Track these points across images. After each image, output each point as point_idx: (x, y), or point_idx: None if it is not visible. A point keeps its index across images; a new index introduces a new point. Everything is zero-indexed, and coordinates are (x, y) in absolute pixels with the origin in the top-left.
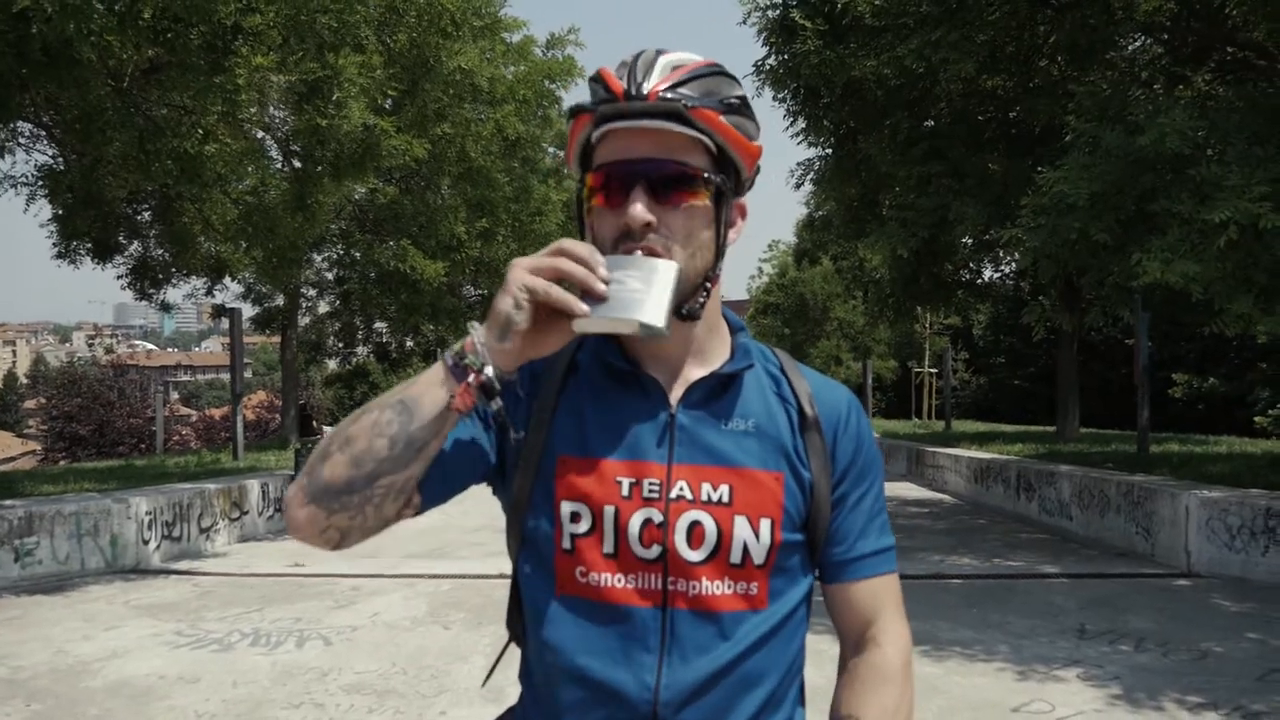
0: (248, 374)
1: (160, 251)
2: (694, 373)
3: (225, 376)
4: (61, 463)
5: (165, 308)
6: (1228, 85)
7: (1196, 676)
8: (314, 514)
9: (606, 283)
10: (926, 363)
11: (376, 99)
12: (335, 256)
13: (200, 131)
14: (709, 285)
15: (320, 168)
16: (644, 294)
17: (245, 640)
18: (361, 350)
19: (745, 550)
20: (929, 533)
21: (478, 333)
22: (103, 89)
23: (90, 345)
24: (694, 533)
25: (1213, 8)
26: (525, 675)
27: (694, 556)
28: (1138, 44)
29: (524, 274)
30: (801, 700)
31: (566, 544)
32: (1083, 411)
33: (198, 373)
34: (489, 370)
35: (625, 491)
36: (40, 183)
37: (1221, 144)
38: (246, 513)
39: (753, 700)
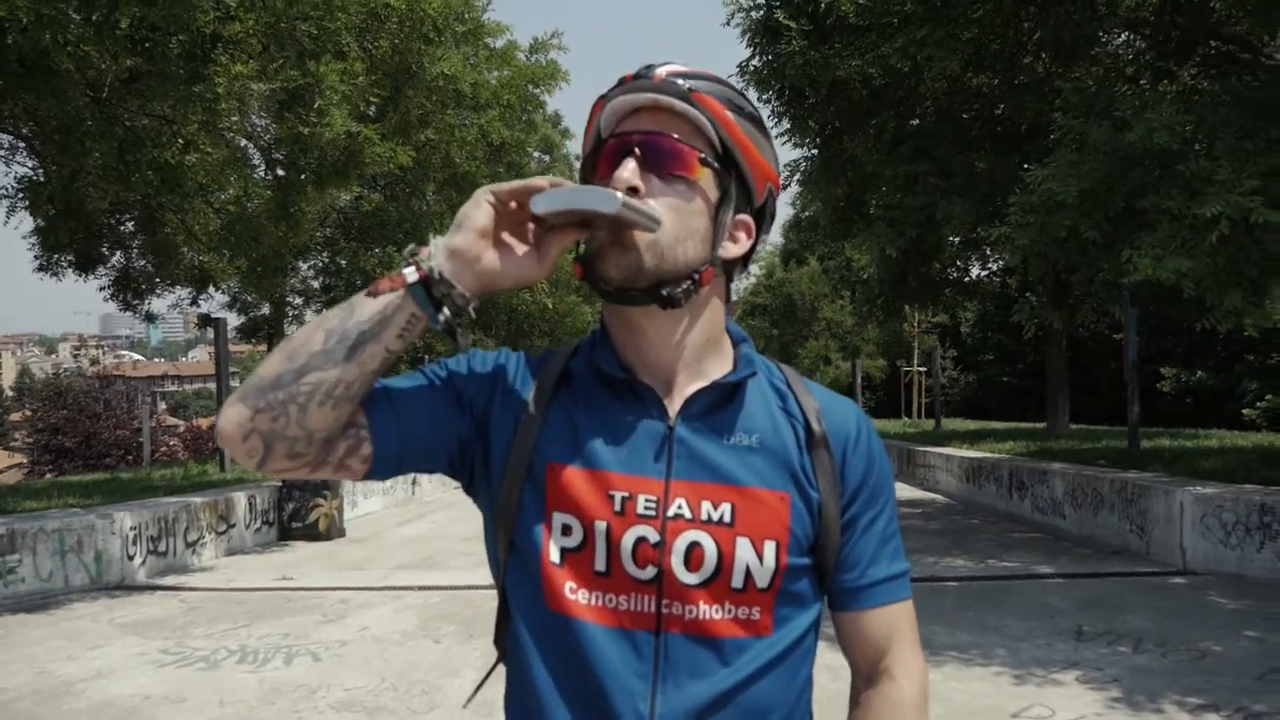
0: (234, 382)
1: (143, 262)
2: (693, 383)
3: (213, 386)
4: (48, 475)
5: (150, 318)
6: (1213, 80)
7: (1196, 677)
8: (239, 413)
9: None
10: (915, 361)
11: (359, 106)
12: (321, 264)
13: (181, 141)
14: (697, 277)
15: (303, 176)
16: (600, 190)
17: (232, 657)
18: None
19: (748, 574)
20: (922, 534)
21: (436, 239)
22: (81, 99)
23: (76, 356)
24: (692, 554)
25: (1196, 2)
26: (511, 696)
27: (692, 579)
28: (1122, 40)
29: (486, 188)
30: None
31: (555, 557)
32: (1072, 407)
33: (185, 382)
34: (434, 264)
35: (618, 507)
36: (21, 195)
37: (1209, 139)
38: (234, 525)
39: None
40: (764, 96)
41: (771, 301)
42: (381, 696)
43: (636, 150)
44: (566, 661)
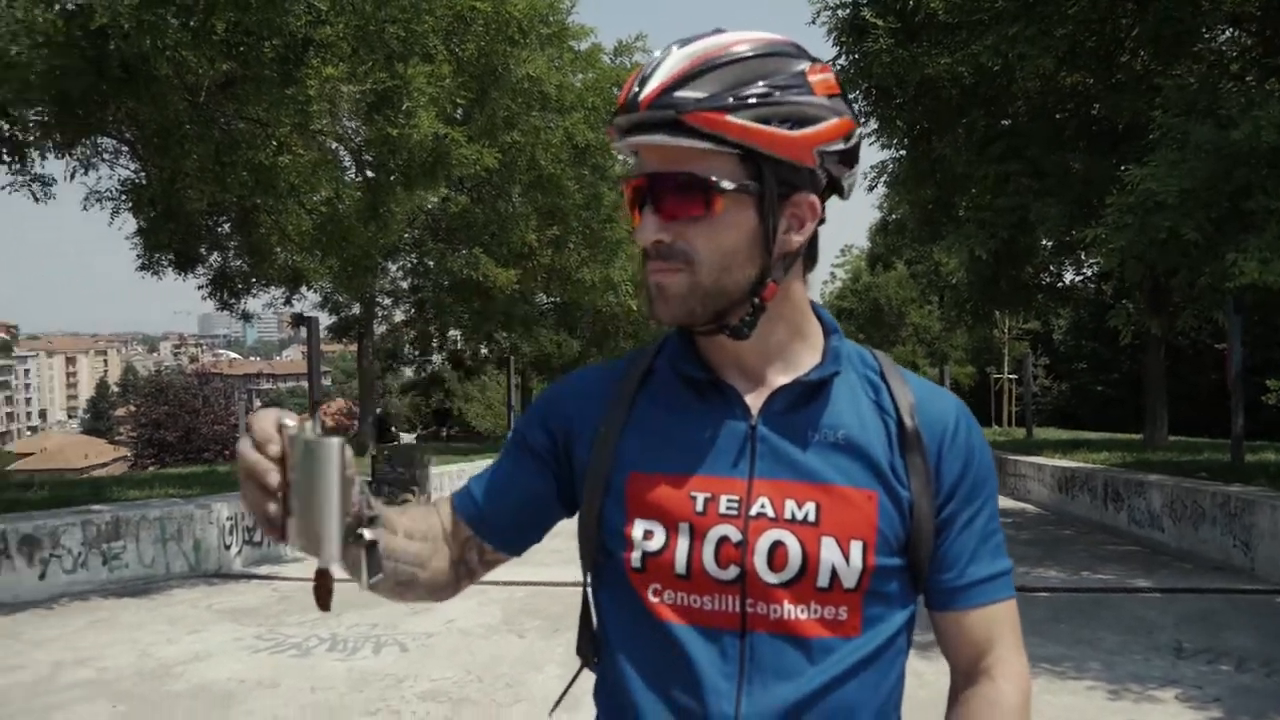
0: (326, 381)
1: (239, 262)
2: (777, 379)
3: (306, 384)
4: (150, 468)
5: (246, 317)
6: None
7: None
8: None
9: (284, 497)
10: (1006, 368)
11: (446, 108)
12: (409, 265)
13: (274, 143)
14: (758, 300)
15: (392, 177)
16: (317, 523)
17: (323, 645)
18: (436, 358)
19: (834, 574)
20: (1013, 543)
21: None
22: (180, 103)
23: (176, 354)
24: (776, 554)
25: None
26: (600, 694)
27: (775, 579)
28: (1226, 36)
29: (242, 482)
30: None
31: (637, 562)
32: (1170, 418)
33: (279, 380)
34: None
35: (700, 507)
36: (124, 197)
37: None
38: None
39: None
40: (850, 96)
41: (858, 306)
42: (466, 688)
43: (648, 200)
44: (654, 662)
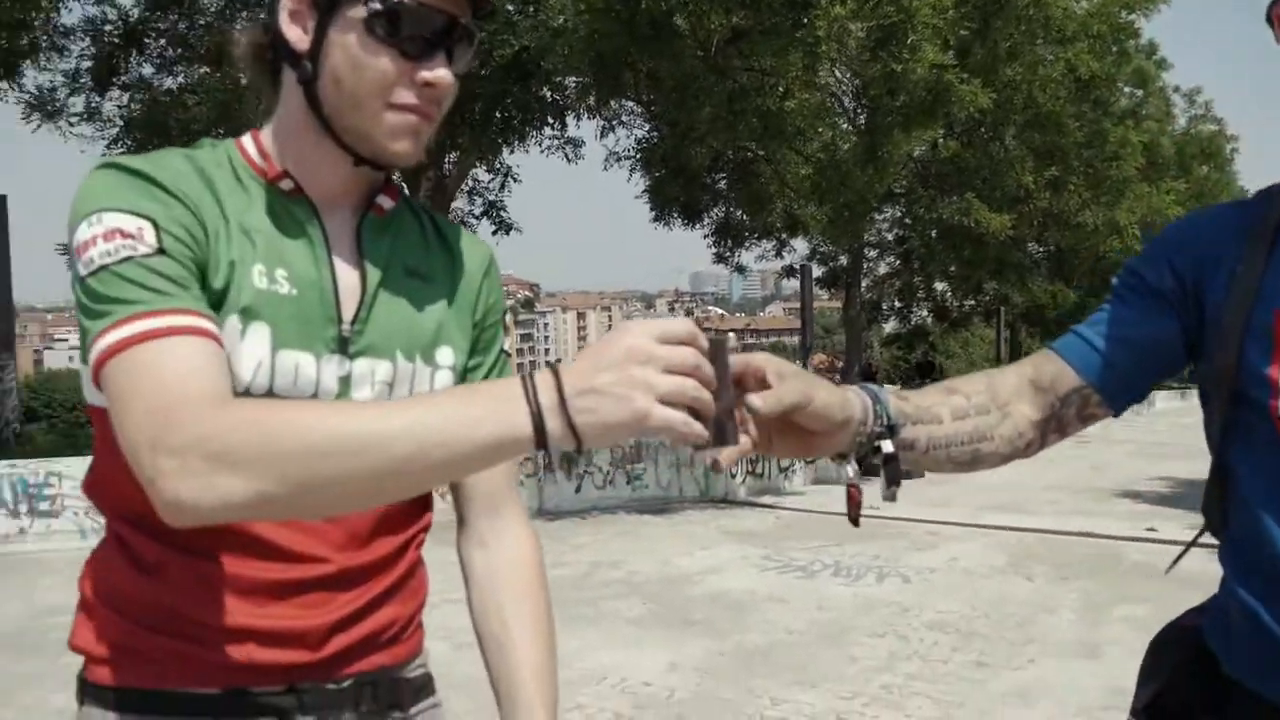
0: (817, 328)
1: (739, 212)
2: None
3: (785, 339)
4: None
5: (740, 269)
6: None
7: None
8: None
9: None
10: None
11: (948, 39)
12: (896, 216)
13: (780, 90)
14: None
15: (890, 118)
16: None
17: (827, 570)
18: (920, 310)
19: None
20: None
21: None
22: (693, 58)
23: (672, 309)
24: None
25: None
26: (1229, 558)
27: None
28: None
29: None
30: None
31: None
32: None
33: (762, 335)
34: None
35: None
36: (639, 156)
37: None
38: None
39: None
40: None
41: None
42: (974, 623)
43: None
44: None
